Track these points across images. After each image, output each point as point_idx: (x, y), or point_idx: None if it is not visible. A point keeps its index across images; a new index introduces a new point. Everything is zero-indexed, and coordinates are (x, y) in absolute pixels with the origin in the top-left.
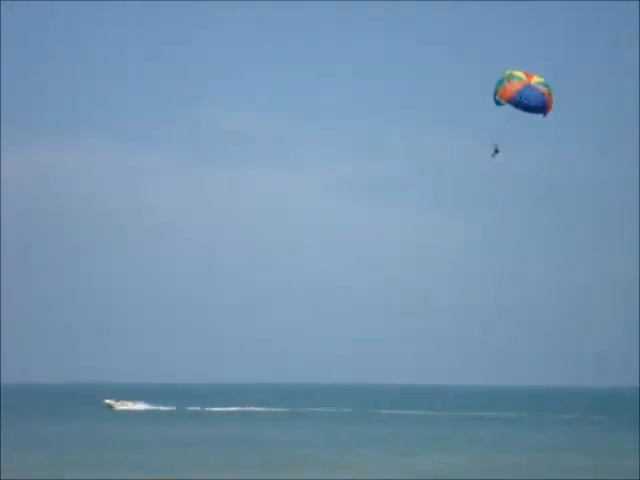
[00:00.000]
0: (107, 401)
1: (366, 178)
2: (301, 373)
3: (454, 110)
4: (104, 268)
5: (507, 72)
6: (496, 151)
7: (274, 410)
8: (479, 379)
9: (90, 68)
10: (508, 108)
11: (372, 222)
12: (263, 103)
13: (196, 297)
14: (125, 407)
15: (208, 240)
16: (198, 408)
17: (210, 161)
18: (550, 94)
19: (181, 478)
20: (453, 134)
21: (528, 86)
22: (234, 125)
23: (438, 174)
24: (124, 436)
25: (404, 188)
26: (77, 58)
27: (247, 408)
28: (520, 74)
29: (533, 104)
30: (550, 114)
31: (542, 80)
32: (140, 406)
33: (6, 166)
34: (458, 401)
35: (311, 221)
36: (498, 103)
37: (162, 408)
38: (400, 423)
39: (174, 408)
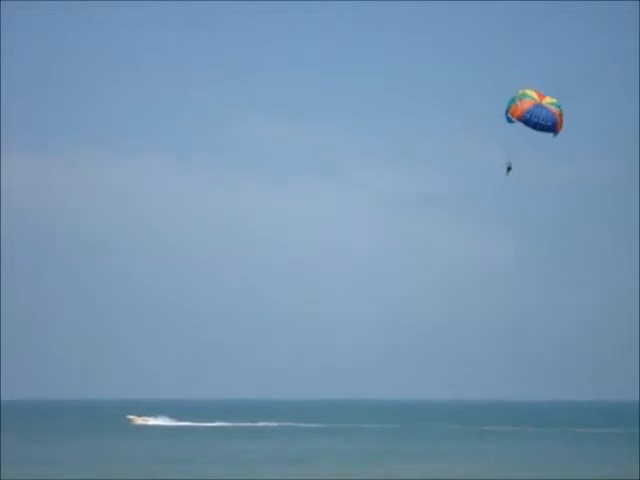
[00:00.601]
0: (130, 416)
1: (403, 191)
2: (330, 389)
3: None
4: (113, 280)
5: (520, 91)
6: (509, 169)
7: (309, 426)
8: (485, 393)
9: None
10: (520, 126)
11: (412, 236)
12: (293, 111)
13: (204, 311)
14: (148, 422)
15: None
16: (229, 424)
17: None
18: (561, 115)
19: None
20: (499, 149)
21: (539, 105)
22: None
23: (478, 189)
24: (148, 451)
25: (443, 202)
26: (89, 63)
27: (277, 424)
28: (532, 93)
29: (543, 122)
30: (561, 133)
31: (554, 101)
32: (164, 421)
33: (6, 172)
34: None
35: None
36: (510, 121)
37: (203, 424)
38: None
39: (222, 423)
